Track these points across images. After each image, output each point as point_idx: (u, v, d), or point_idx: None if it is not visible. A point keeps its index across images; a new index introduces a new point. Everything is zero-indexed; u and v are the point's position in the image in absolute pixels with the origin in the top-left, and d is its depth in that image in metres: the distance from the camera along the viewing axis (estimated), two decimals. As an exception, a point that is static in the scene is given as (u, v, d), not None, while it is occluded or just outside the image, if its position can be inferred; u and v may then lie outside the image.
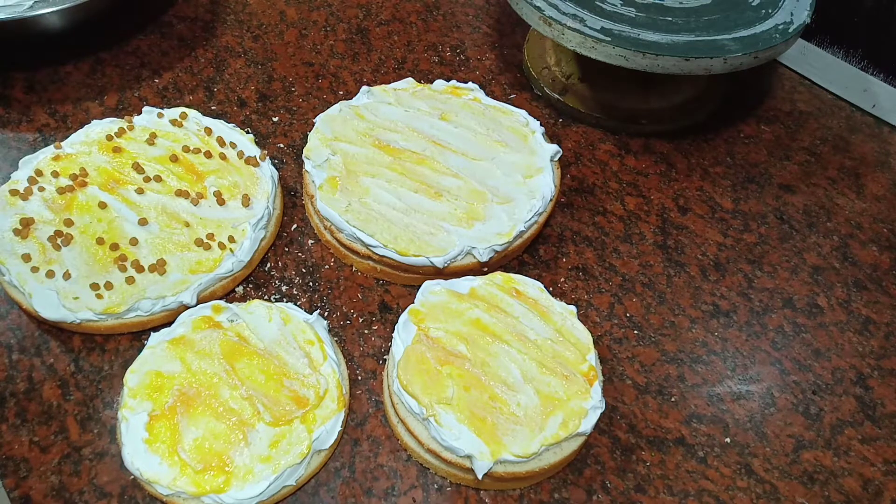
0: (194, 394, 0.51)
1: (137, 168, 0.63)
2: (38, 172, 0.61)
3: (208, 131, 0.67)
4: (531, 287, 0.58)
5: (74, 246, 0.58)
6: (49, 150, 0.63)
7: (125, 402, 0.51)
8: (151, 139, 0.65)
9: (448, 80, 0.76)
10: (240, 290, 0.61)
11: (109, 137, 0.65)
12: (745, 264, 0.67)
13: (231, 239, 0.60)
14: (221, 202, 0.62)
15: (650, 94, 0.78)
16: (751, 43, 0.68)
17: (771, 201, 0.73)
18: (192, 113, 0.68)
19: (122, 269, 0.57)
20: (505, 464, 0.49)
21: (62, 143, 0.64)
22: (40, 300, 0.55)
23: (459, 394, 0.51)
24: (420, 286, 0.58)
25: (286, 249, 0.65)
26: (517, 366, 0.53)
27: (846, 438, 0.57)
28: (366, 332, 0.60)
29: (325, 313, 0.60)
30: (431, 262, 0.60)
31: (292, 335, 0.55)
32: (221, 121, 0.69)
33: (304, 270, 0.63)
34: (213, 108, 0.75)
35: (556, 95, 0.79)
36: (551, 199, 0.65)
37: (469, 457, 0.49)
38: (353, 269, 0.64)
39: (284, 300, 0.60)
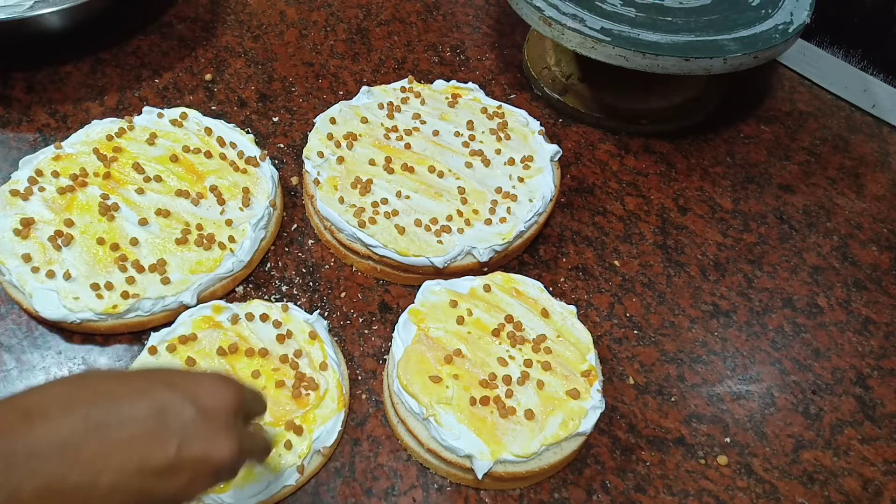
0: (194, 394, 0.51)
1: (137, 168, 0.63)
2: (39, 172, 0.61)
3: (208, 131, 0.67)
4: (531, 287, 0.58)
5: (75, 246, 0.58)
6: (49, 151, 0.63)
7: (125, 402, 0.51)
8: (152, 139, 0.65)
9: (448, 80, 0.76)
10: (240, 290, 0.61)
11: (110, 137, 0.65)
12: (744, 264, 0.67)
13: (231, 239, 0.60)
14: (221, 202, 0.62)
15: (650, 94, 0.78)
16: (751, 43, 0.68)
17: (771, 201, 0.73)
18: (192, 113, 0.68)
19: (123, 269, 0.57)
20: (505, 464, 0.49)
21: (62, 144, 0.64)
22: (40, 300, 0.55)
23: (459, 394, 0.51)
24: (420, 286, 0.58)
25: (286, 249, 0.65)
26: (517, 365, 0.53)
27: (846, 438, 0.57)
28: (366, 332, 0.60)
29: (325, 313, 0.60)
30: (431, 262, 0.60)
31: (292, 335, 0.55)
32: (222, 121, 0.69)
33: (304, 270, 0.63)
34: (213, 108, 0.75)
35: (556, 95, 0.79)
36: (551, 199, 0.65)
37: (469, 457, 0.49)
38: (353, 269, 0.64)
39: (284, 300, 0.60)
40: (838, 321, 0.64)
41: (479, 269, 0.62)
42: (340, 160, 0.65)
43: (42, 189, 0.60)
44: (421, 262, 0.60)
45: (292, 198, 0.69)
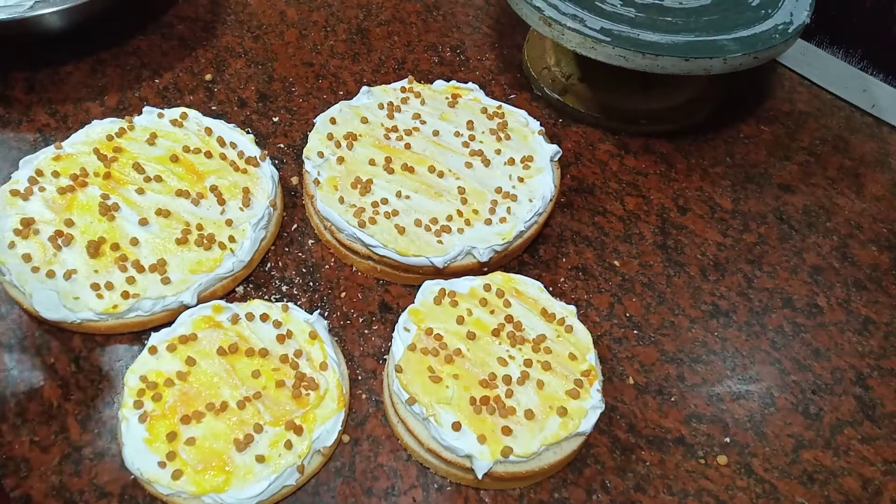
0: (194, 393, 0.51)
1: (138, 168, 0.63)
2: (39, 172, 0.61)
3: (209, 131, 0.67)
4: (531, 287, 0.58)
5: (75, 246, 0.58)
6: (50, 150, 0.63)
7: (125, 402, 0.51)
8: (152, 139, 0.65)
9: (448, 80, 0.76)
10: (240, 290, 0.61)
11: (110, 137, 0.65)
12: (744, 264, 0.67)
13: (231, 239, 0.60)
14: (222, 202, 0.62)
15: (650, 94, 0.78)
16: (751, 43, 0.68)
17: (771, 201, 0.73)
18: (192, 113, 0.68)
19: (123, 269, 0.57)
20: (505, 464, 0.49)
21: (63, 143, 0.64)
22: (41, 300, 0.55)
23: (459, 394, 0.51)
24: (420, 286, 0.58)
25: (286, 249, 0.65)
26: (517, 365, 0.53)
27: (846, 438, 0.57)
28: (366, 332, 0.60)
29: (325, 313, 0.60)
30: (431, 262, 0.60)
31: (292, 335, 0.55)
32: (222, 121, 0.69)
33: (304, 270, 0.63)
34: (213, 108, 0.75)
35: (556, 95, 0.79)
36: (551, 199, 0.65)
37: (469, 457, 0.49)
38: (353, 269, 0.64)
39: (284, 300, 0.60)
40: (838, 321, 0.64)
41: (479, 269, 0.62)
42: (340, 160, 0.65)
43: (42, 189, 0.60)
44: (421, 262, 0.60)
45: (292, 198, 0.69)
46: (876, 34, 0.78)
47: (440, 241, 0.61)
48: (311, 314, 0.57)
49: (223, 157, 0.65)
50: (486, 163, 0.67)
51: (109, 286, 0.56)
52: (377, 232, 0.60)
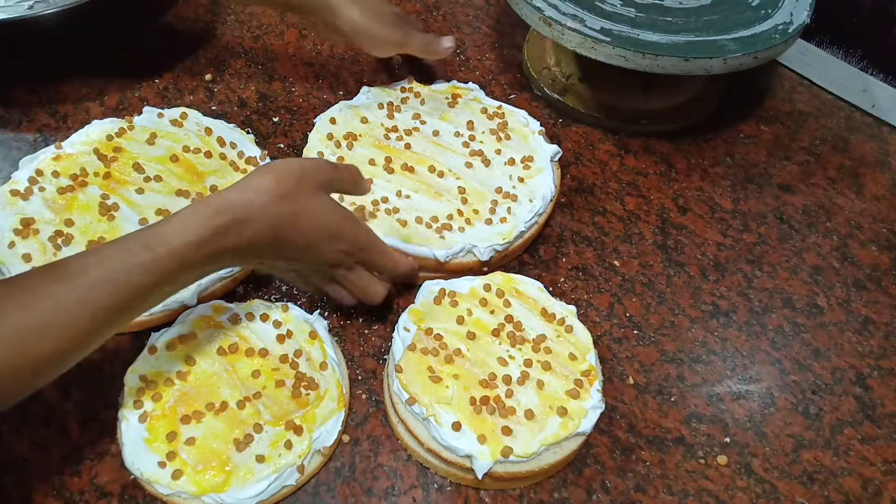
0: (194, 393, 0.51)
1: (138, 168, 0.63)
2: (39, 172, 0.61)
3: (208, 131, 0.67)
4: (531, 287, 0.58)
5: (75, 246, 0.58)
6: (49, 151, 0.63)
7: (125, 402, 0.51)
8: (152, 139, 0.65)
9: (448, 80, 0.76)
10: (240, 289, 0.61)
11: (110, 137, 0.65)
12: (744, 264, 0.67)
13: (231, 239, 0.60)
14: (221, 202, 0.62)
15: (650, 94, 0.78)
16: (750, 43, 0.68)
17: (770, 201, 0.73)
18: (192, 113, 0.68)
19: (123, 268, 0.57)
20: (505, 464, 0.49)
21: (63, 143, 0.64)
22: (41, 300, 0.55)
23: (459, 394, 0.51)
24: (420, 286, 0.58)
25: (286, 249, 0.64)
26: (517, 365, 0.53)
27: (846, 438, 0.57)
28: (366, 332, 0.60)
29: (325, 313, 0.60)
30: (434, 255, 0.60)
31: (292, 335, 0.55)
32: (222, 121, 0.69)
33: (304, 270, 0.63)
34: (213, 108, 0.75)
35: (556, 95, 0.79)
36: (551, 199, 0.65)
37: (469, 457, 0.49)
38: (354, 269, 0.64)
39: (285, 300, 0.60)
40: (838, 321, 0.64)
41: (480, 269, 0.62)
42: (340, 160, 0.65)
43: (42, 189, 0.60)
44: (423, 252, 0.60)
45: (292, 198, 0.68)
46: (876, 34, 0.78)
47: (442, 237, 0.61)
48: (311, 314, 0.57)
49: (223, 157, 0.65)
50: (487, 163, 0.67)
51: (109, 286, 0.56)
52: (378, 226, 0.60)
